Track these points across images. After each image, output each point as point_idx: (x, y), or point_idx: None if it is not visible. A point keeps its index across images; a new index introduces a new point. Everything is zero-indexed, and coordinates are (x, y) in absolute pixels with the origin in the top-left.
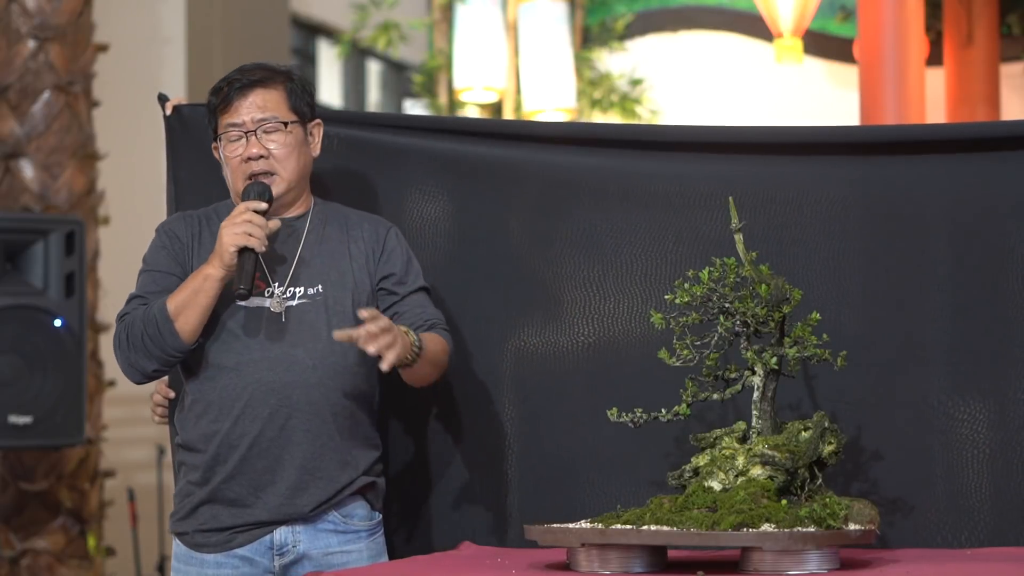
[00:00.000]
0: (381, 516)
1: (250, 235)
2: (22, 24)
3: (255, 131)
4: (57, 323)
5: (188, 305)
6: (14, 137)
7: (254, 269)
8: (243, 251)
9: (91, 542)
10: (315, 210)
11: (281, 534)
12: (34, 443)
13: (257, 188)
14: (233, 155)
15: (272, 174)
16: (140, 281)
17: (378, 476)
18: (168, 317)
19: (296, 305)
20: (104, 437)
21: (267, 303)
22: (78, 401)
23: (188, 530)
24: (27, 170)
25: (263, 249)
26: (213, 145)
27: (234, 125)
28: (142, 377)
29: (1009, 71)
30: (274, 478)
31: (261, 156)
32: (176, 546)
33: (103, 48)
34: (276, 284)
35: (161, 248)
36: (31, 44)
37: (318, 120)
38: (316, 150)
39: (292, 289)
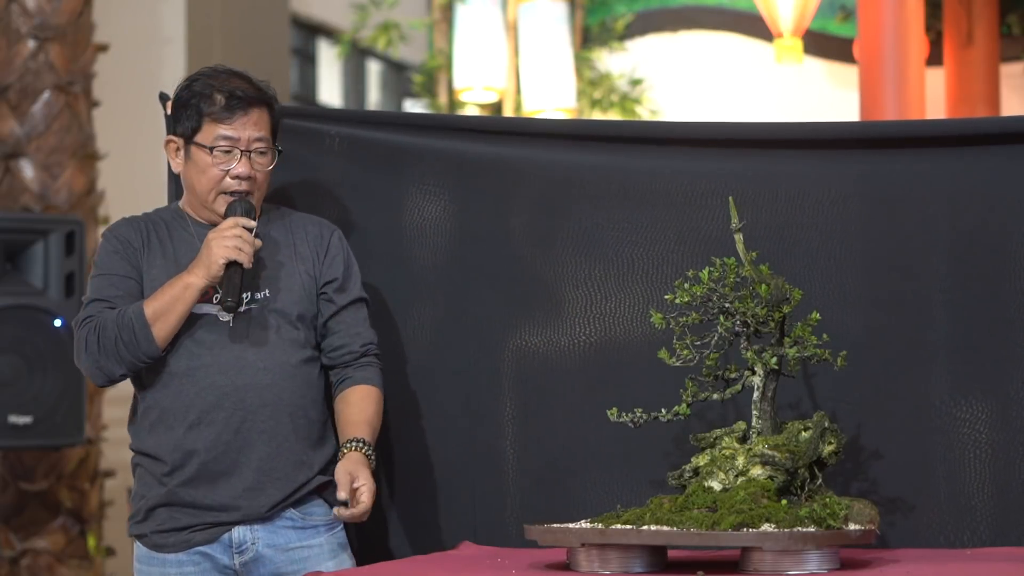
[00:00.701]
0: None
1: (240, 249)
2: (22, 24)
3: (249, 151)
4: (57, 323)
5: (166, 312)
6: (14, 137)
7: (241, 283)
8: (229, 265)
9: (91, 542)
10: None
11: (239, 532)
12: (34, 443)
13: (244, 205)
14: (218, 167)
15: (249, 194)
16: (95, 285)
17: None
18: (145, 322)
19: (243, 311)
20: (104, 437)
21: (214, 310)
22: (78, 401)
23: (146, 532)
24: (27, 170)
25: (249, 266)
26: (169, 138)
27: (229, 139)
28: (107, 381)
29: (1009, 71)
30: (230, 480)
31: (248, 177)
32: (138, 548)
33: (103, 48)
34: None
35: (114, 253)
36: (31, 44)
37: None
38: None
39: (240, 296)
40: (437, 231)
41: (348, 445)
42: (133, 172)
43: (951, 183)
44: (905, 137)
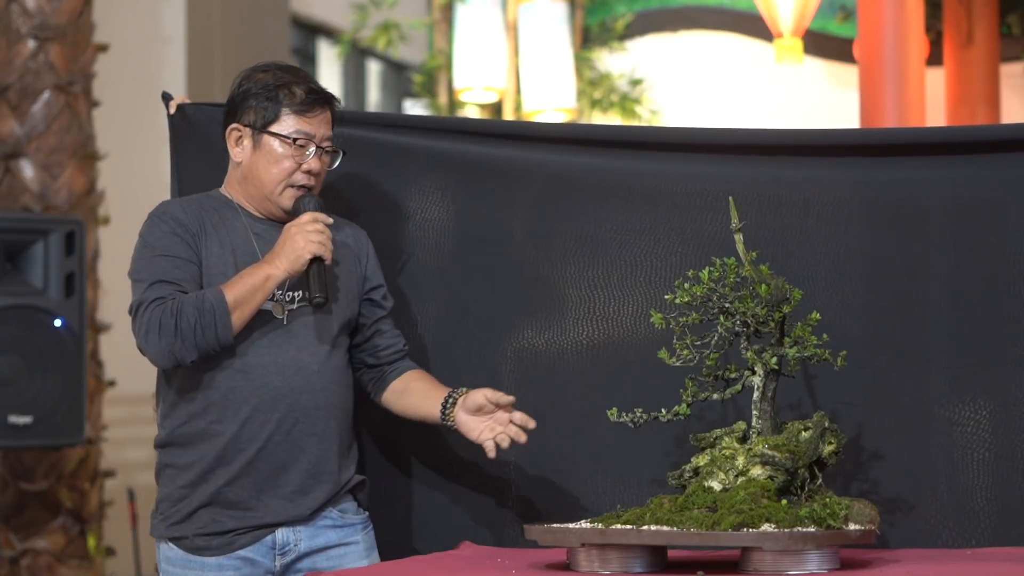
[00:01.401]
0: (368, 513)
1: (324, 245)
2: (22, 24)
3: (321, 148)
4: (57, 323)
5: (246, 301)
6: (14, 137)
7: (324, 279)
8: (312, 260)
9: (91, 542)
10: None
11: (283, 534)
12: (34, 443)
13: (315, 201)
14: (292, 159)
15: (309, 189)
16: (158, 266)
17: (362, 473)
18: (227, 309)
19: (297, 308)
20: (104, 437)
21: (269, 306)
22: (78, 401)
23: (187, 534)
24: (27, 170)
25: (329, 262)
26: (233, 127)
27: (306, 135)
28: (174, 366)
29: (1009, 71)
30: (278, 481)
31: (318, 173)
32: (169, 549)
33: (103, 48)
34: (276, 288)
35: (173, 235)
36: (31, 44)
37: None
38: None
39: (291, 293)
40: (439, 232)
41: (456, 392)
42: (133, 172)
43: (952, 188)
44: (906, 144)
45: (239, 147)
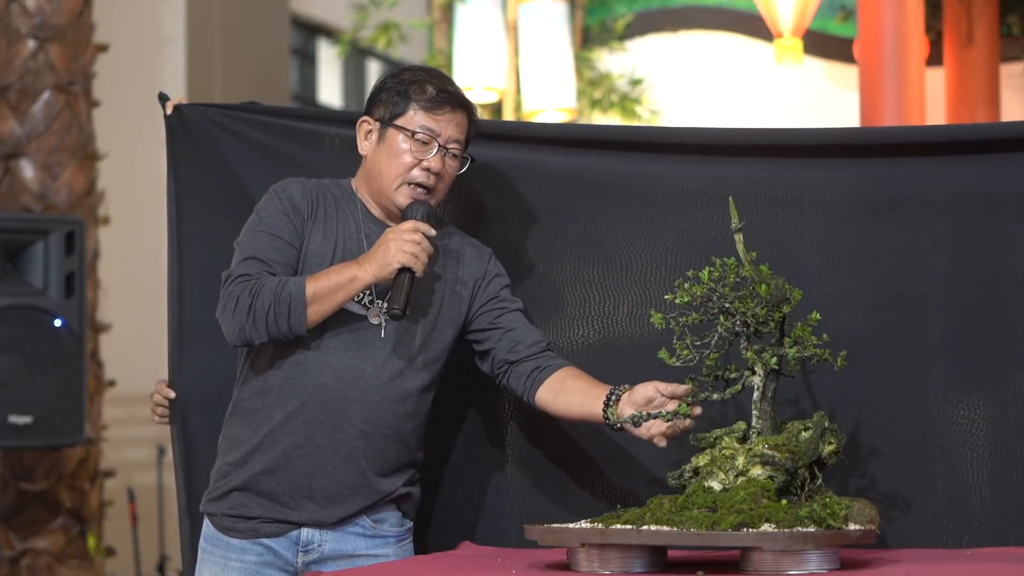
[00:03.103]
0: (411, 524)
1: (416, 257)
2: (22, 24)
3: (446, 148)
4: (57, 323)
5: (325, 297)
6: (14, 137)
7: (410, 292)
8: (401, 270)
9: (91, 542)
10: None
11: (308, 533)
12: (34, 443)
13: (425, 209)
14: (412, 154)
15: (429, 192)
16: (259, 242)
17: (413, 485)
18: (303, 301)
19: (380, 318)
20: (104, 437)
21: (361, 311)
22: (78, 401)
23: (217, 512)
24: (27, 170)
25: (421, 276)
26: (364, 119)
27: (430, 131)
28: (244, 344)
29: (1009, 71)
30: (312, 484)
31: (437, 173)
32: (205, 526)
33: (103, 48)
34: (368, 294)
35: (283, 214)
36: (31, 44)
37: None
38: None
39: (379, 302)
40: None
41: (618, 389)
42: (133, 172)
43: (950, 188)
44: (904, 143)
45: (367, 141)
